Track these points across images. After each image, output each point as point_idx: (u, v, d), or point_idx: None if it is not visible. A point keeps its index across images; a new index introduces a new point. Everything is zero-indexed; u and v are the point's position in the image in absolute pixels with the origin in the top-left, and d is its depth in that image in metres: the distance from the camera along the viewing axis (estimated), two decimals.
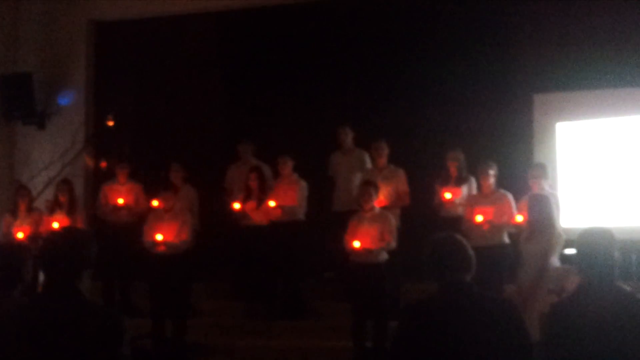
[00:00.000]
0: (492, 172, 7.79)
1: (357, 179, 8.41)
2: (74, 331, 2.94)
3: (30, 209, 8.83)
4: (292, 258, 8.35)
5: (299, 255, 8.40)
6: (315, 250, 8.72)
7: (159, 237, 7.87)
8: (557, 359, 3.43)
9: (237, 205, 8.51)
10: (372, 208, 7.53)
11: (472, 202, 7.83)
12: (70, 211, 8.71)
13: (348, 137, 8.76)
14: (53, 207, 8.79)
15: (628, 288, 3.51)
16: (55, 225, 8.40)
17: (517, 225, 7.60)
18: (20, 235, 8.45)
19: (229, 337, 8.18)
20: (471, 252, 3.41)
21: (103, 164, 10.16)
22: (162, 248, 7.89)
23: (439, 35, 9.42)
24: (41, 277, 3.61)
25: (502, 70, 9.31)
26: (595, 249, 3.48)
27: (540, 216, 7.28)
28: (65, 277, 3.06)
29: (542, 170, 7.92)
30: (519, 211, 7.62)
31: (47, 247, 3.21)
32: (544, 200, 7.40)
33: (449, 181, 8.14)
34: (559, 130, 8.97)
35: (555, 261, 7.31)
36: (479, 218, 7.56)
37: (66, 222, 8.51)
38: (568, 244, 7.31)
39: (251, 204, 8.52)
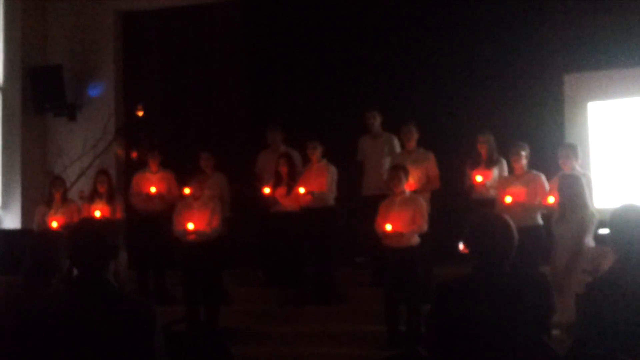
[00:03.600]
0: (523, 153, 7.72)
1: (387, 163, 8.38)
2: (105, 322, 2.95)
3: (64, 200, 8.99)
4: (323, 244, 8.34)
5: (329, 240, 8.38)
6: (346, 235, 8.71)
7: (190, 225, 7.91)
8: (593, 338, 3.40)
9: (267, 190, 8.53)
10: (403, 192, 7.50)
11: (504, 184, 7.77)
12: (110, 200, 8.83)
13: (376, 121, 8.71)
14: (92, 197, 8.91)
15: None
16: (97, 213, 8.58)
17: (549, 207, 7.53)
18: (54, 224, 8.62)
19: (262, 324, 8.21)
20: (516, 235, 3.27)
21: (134, 154, 10.23)
22: (193, 237, 7.93)
23: (468, 16, 9.32)
24: None
25: (533, 50, 9.20)
26: (631, 225, 3.43)
27: (570, 196, 7.20)
28: (92, 268, 3.07)
29: (572, 150, 7.81)
30: (550, 192, 7.55)
31: (70, 239, 3.22)
32: (574, 180, 7.31)
33: (479, 164, 8.09)
34: (590, 109, 8.86)
35: (590, 241, 7.24)
36: (508, 199, 7.51)
37: (107, 211, 8.70)
38: (602, 224, 7.23)
39: (281, 191, 8.54)
